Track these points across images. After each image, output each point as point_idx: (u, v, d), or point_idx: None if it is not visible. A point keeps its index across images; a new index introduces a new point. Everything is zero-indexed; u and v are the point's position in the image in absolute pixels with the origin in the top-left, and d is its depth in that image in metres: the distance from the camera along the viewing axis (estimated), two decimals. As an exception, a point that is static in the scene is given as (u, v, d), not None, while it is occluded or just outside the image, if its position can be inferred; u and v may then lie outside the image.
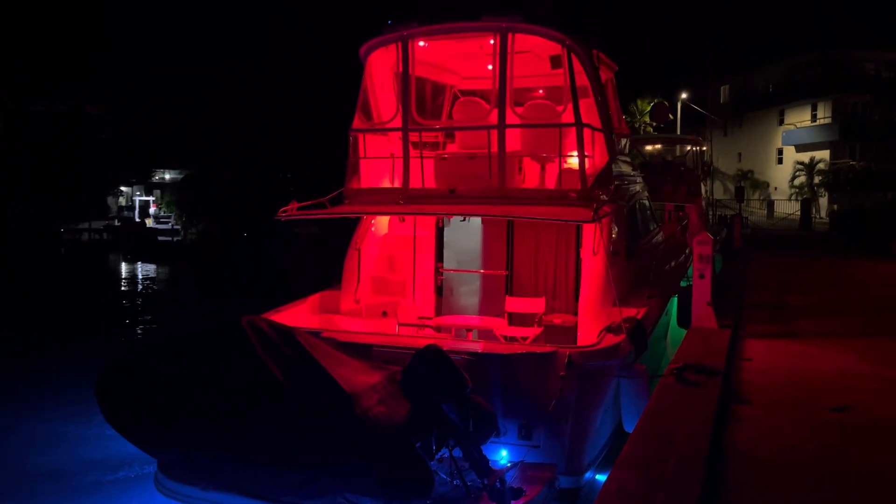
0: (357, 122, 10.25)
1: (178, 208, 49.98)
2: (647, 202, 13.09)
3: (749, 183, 50.80)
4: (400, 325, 9.59)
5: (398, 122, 9.89)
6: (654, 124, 39.86)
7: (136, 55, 60.97)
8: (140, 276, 31.98)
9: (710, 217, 32.02)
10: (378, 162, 10.44)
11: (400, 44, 9.68)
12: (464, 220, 10.08)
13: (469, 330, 9.55)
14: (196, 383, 6.23)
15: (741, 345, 9.12)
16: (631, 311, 8.85)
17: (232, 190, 42.26)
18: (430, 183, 9.91)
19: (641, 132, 40.99)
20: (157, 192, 61.29)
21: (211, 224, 44.08)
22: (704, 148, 31.43)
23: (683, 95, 46.97)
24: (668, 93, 49.07)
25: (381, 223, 10.89)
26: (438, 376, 6.09)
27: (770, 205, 46.00)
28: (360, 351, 7.47)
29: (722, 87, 58.08)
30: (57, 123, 53.42)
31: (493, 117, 9.39)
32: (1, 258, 34.09)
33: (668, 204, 22.69)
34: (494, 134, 9.27)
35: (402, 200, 9.59)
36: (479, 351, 7.61)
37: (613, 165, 10.29)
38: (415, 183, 9.73)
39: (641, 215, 12.21)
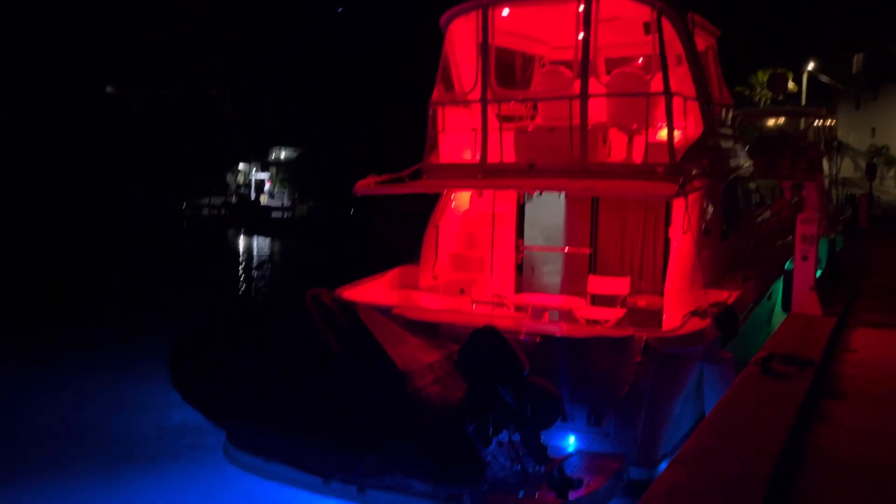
0: (437, 95, 10.01)
1: (291, 185, 51.69)
2: (750, 177, 12.18)
3: (883, 160, 46.74)
4: (475, 302, 9.35)
5: (478, 94, 9.57)
6: (777, 97, 37.41)
7: (253, 41, 63.20)
8: (251, 250, 33.36)
9: (836, 196, 29.71)
10: (460, 135, 10.17)
11: (480, 12, 9.33)
12: (540, 194, 9.66)
13: (546, 310, 9.17)
14: (258, 357, 6.27)
15: (847, 334, 8.31)
16: (722, 295, 8.22)
17: (340, 167, 43.20)
18: (511, 157, 9.56)
19: (762, 105, 38.48)
20: (273, 169, 63.59)
21: (320, 200, 45.34)
22: (831, 122, 29.13)
23: (810, 66, 43.70)
24: (795, 63, 45.84)
25: (462, 199, 10.64)
26: (493, 358, 5.83)
27: (906, 183, 42.24)
28: (429, 329, 7.32)
29: (855, 56, 53.64)
30: (184, 105, 56.39)
31: (576, 87, 8.90)
32: (129, 232, 36.43)
33: (786, 181, 21.21)
34: (576, 105, 8.78)
35: (480, 175, 9.30)
36: (549, 333, 7.27)
37: (711, 138, 9.58)
38: (493, 157, 9.40)
39: (743, 191, 11.36)
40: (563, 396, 6.53)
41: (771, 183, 21.27)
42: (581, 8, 8.86)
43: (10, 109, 41.35)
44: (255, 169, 63.31)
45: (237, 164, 62.73)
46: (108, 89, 54.32)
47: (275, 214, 48.32)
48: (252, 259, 29.94)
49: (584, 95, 8.73)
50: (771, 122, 27.24)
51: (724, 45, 11.03)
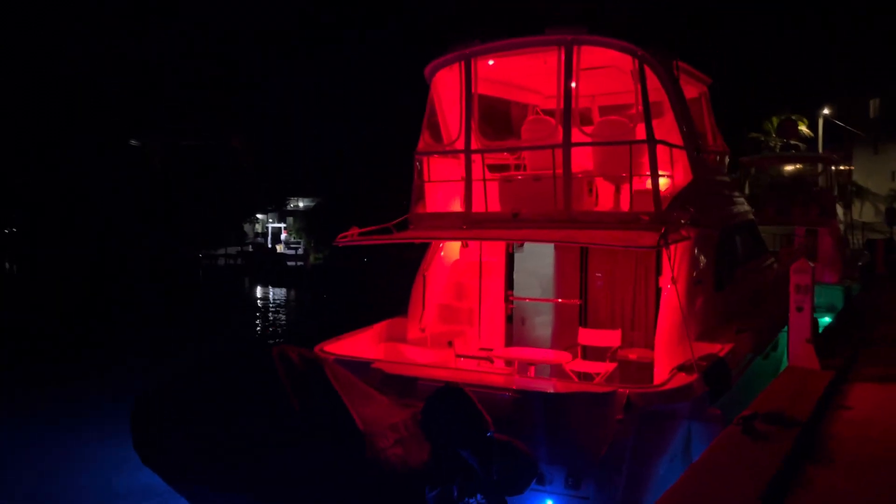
0: (423, 145, 9.92)
1: (307, 235, 52.04)
2: (751, 225, 11.89)
3: (904, 204, 46.07)
4: (458, 356, 9.09)
5: (463, 144, 9.47)
6: (788, 142, 37.16)
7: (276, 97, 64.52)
8: (259, 300, 33.35)
9: (852, 241, 29.16)
10: (448, 185, 10.05)
11: (463, 63, 9.30)
12: (521, 245, 9.48)
13: (531, 364, 8.88)
14: (219, 416, 6.05)
15: (846, 389, 7.89)
16: (714, 347, 7.92)
17: (353, 217, 43.46)
18: (496, 207, 9.40)
19: (777, 151, 38.19)
20: (290, 219, 64.14)
21: (335, 249, 45.57)
22: (845, 167, 28.73)
23: (825, 111, 43.47)
24: (811, 109, 45.69)
25: (452, 249, 10.46)
26: (455, 417, 5.57)
27: (930, 228, 41.36)
28: (406, 384, 7.09)
29: (871, 101, 53.40)
30: (206, 156, 57.32)
31: (559, 136, 8.78)
32: (144, 281, 36.63)
33: (799, 227, 20.85)
34: (559, 153, 8.65)
35: (465, 225, 9.14)
36: (539, 389, 7.00)
37: (702, 185, 9.38)
38: (478, 206, 9.26)
39: (742, 239, 11.07)
40: (538, 457, 6.23)
41: (784, 229, 20.93)
42: (561, 56, 8.79)
43: (10, 109, 42.14)
44: (271, 219, 63.94)
45: (255, 214, 63.39)
46: (133, 142, 55.27)
47: (290, 263, 48.55)
48: (257, 309, 29.89)
49: (567, 144, 8.60)
50: (786, 168, 26.96)
51: (739, 91, 10.91)
